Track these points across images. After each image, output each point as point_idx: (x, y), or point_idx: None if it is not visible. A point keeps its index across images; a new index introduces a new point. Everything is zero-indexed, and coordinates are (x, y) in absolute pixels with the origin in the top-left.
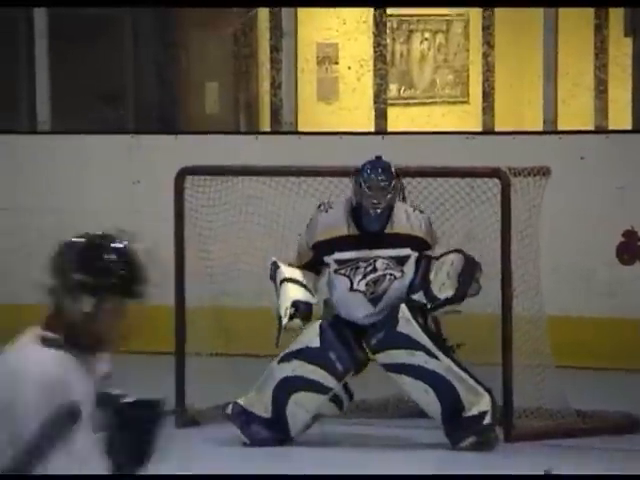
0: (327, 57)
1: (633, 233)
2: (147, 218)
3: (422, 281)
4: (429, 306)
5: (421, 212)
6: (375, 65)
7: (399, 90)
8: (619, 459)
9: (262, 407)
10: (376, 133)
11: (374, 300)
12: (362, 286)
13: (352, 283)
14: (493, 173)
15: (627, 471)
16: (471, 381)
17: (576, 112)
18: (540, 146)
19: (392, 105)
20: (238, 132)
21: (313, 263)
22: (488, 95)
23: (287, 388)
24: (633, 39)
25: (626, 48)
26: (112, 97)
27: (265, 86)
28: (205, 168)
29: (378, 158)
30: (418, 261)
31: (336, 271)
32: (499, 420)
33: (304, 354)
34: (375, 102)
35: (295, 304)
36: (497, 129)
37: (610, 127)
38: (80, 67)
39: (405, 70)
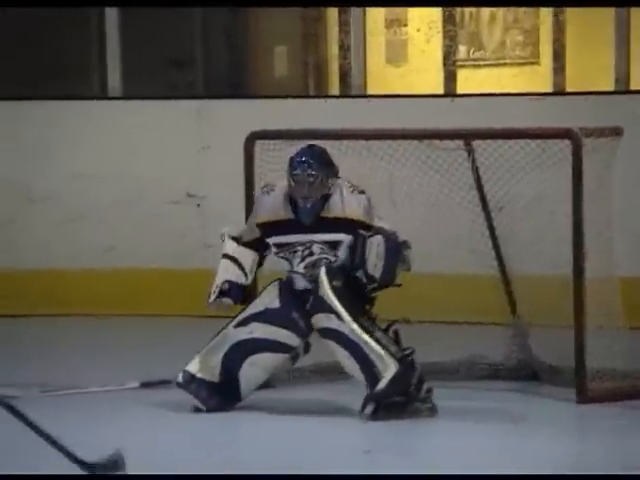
0: (396, 19)
1: None
2: (216, 183)
3: (361, 259)
4: (369, 287)
5: (361, 192)
6: (444, 27)
7: (468, 52)
8: None
9: (209, 372)
10: (445, 95)
11: (314, 281)
12: (301, 268)
13: (292, 265)
14: (564, 134)
15: None
16: (377, 347)
17: None
18: (612, 106)
19: (461, 67)
20: (307, 96)
21: (259, 241)
22: (559, 55)
23: (242, 351)
24: None
25: None
26: (182, 63)
27: (334, 49)
28: (274, 132)
29: (310, 147)
30: (355, 240)
31: (276, 254)
32: (413, 390)
33: (263, 316)
34: (444, 64)
35: (227, 283)
36: (568, 90)
37: None
38: (150, 33)
39: (474, 31)
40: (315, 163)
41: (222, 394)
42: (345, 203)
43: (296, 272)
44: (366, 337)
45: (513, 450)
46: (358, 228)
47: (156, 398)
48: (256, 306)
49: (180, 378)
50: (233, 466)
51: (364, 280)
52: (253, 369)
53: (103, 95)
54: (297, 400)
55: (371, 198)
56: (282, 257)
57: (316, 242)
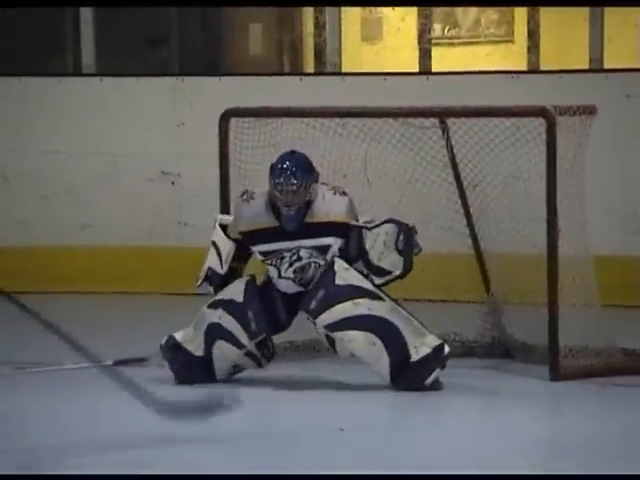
0: None
1: None
2: (191, 161)
3: (358, 251)
4: (378, 281)
5: (342, 194)
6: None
7: (443, 30)
8: None
9: (195, 345)
10: (420, 73)
11: (304, 285)
12: (290, 273)
13: (280, 271)
14: (538, 112)
15: None
16: (416, 322)
17: (623, 50)
18: (586, 85)
19: (436, 45)
20: (282, 73)
21: (241, 243)
22: (533, 34)
23: (214, 333)
24: None
25: None
26: (156, 40)
27: (309, 27)
28: (249, 110)
29: (292, 153)
30: (347, 233)
31: (263, 261)
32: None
33: (228, 305)
34: (419, 42)
35: (209, 270)
36: (542, 68)
37: None
38: (125, 10)
39: (449, 9)
40: (298, 170)
41: (200, 369)
42: (328, 207)
43: (285, 278)
44: (406, 313)
45: (486, 427)
46: (343, 230)
47: (130, 375)
48: (226, 293)
49: (163, 341)
50: (207, 442)
51: (366, 272)
52: (220, 355)
53: (77, 72)
54: (272, 376)
55: (352, 198)
56: (269, 264)
57: (303, 247)
